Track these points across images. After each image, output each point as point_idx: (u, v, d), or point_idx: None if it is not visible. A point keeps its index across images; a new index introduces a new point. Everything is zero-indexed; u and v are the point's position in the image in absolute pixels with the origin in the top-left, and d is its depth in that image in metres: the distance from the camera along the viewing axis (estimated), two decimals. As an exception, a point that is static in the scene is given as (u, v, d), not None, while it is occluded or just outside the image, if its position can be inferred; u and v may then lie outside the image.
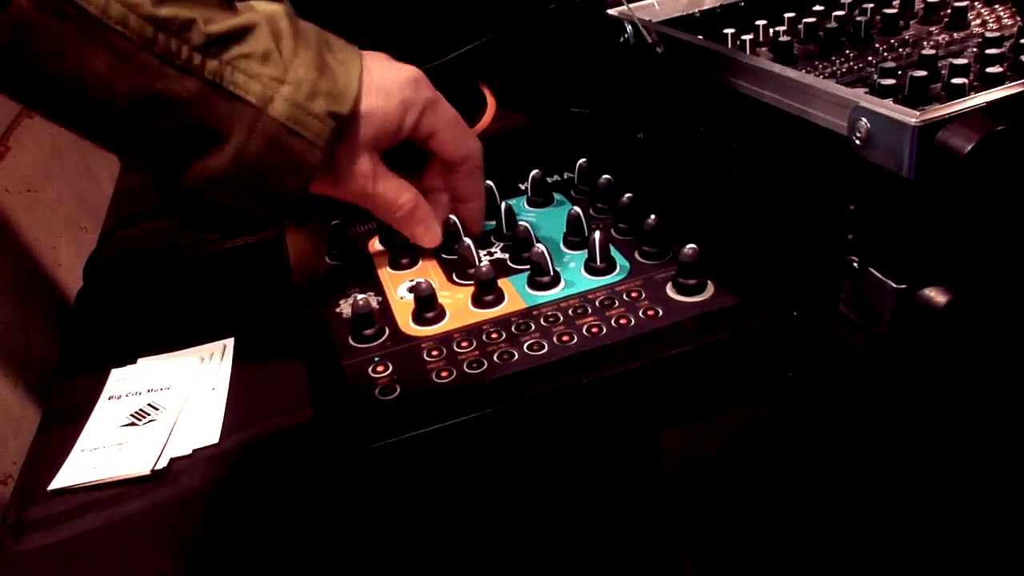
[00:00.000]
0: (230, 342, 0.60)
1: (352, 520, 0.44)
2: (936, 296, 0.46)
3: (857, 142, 0.46)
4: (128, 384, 0.58)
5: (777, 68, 0.52)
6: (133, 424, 0.54)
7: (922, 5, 0.71)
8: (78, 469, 0.51)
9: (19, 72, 0.40)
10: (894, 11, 0.69)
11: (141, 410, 0.55)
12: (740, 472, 0.45)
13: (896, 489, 0.45)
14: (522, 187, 0.64)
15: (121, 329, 0.64)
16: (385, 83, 0.50)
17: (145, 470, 0.50)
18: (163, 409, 0.55)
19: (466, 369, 0.45)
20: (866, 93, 0.50)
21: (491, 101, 0.88)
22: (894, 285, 0.48)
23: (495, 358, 0.46)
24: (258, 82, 0.44)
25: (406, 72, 0.51)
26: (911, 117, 0.43)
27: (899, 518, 0.43)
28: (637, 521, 0.44)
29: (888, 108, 0.44)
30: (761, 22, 0.71)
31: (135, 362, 0.59)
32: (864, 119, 0.45)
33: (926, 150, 0.43)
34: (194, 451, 0.51)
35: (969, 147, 0.41)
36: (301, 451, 0.49)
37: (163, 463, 0.51)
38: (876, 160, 0.45)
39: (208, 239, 0.74)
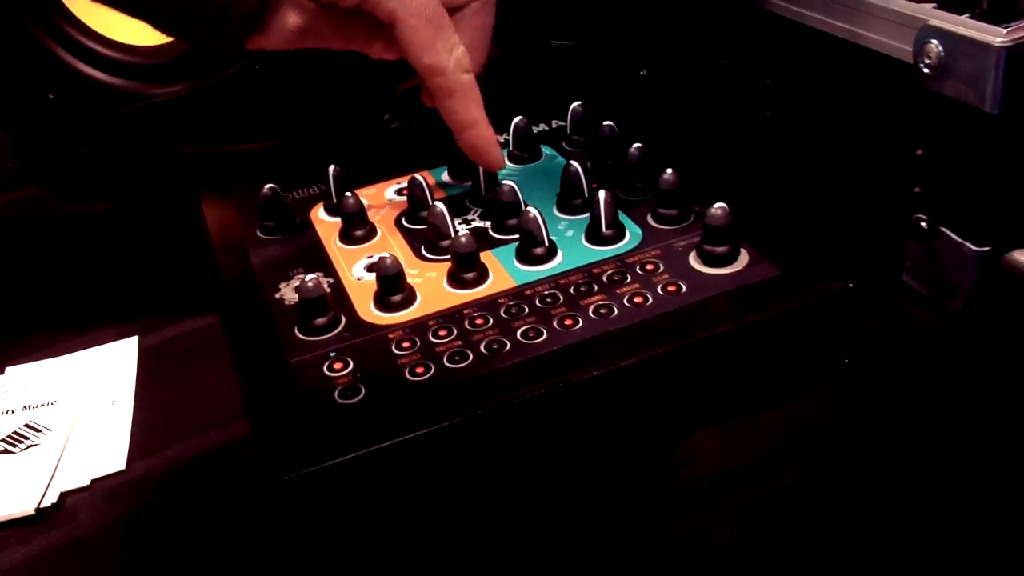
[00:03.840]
0: (132, 342, 0.60)
1: (309, 557, 0.44)
2: (1027, 260, 0.48)
3: (926, 71, 0.47)
4: None
5: (822, -19, 0.53)
6: (6, 451, 0.53)
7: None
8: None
9: None
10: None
11: (16, 433, 0.54)
12: (790, 486, 0.46)
13: (980, 504, 0.46)
14: (502, 139, 0.64)
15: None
16: None
17: (28, 509, 0.49)
18: (47, 430, 0.55)
19: (447, 363, 0.45)
20: (935, 8, 0.52)
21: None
22: (974, 248, 0.49)
23: (482, 349, 0.46)
24: None
25: None
26: (996, 36, 0.44)
27: (988, 538, 0.44)
28: (661, 548, 0.44)
29: (966, 26, 0.45)
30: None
31: (2, 372, 0.59)
32: (935, 41, 0.46)
33: (1015, 78, 0.44)
34: (93, 482, 0.51)
35: (1067, 73, 0.42)
36: (238, 474, 0.49)
37: (51, 499, 0.50)
38: (950, 92, 0.46)
39: (95, 211, 0.74)
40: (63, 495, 0.50)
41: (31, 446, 0.53)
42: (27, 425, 0.55)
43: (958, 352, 0.51)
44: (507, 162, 0.62)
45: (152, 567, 0.46)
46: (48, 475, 0.51)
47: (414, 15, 0.52)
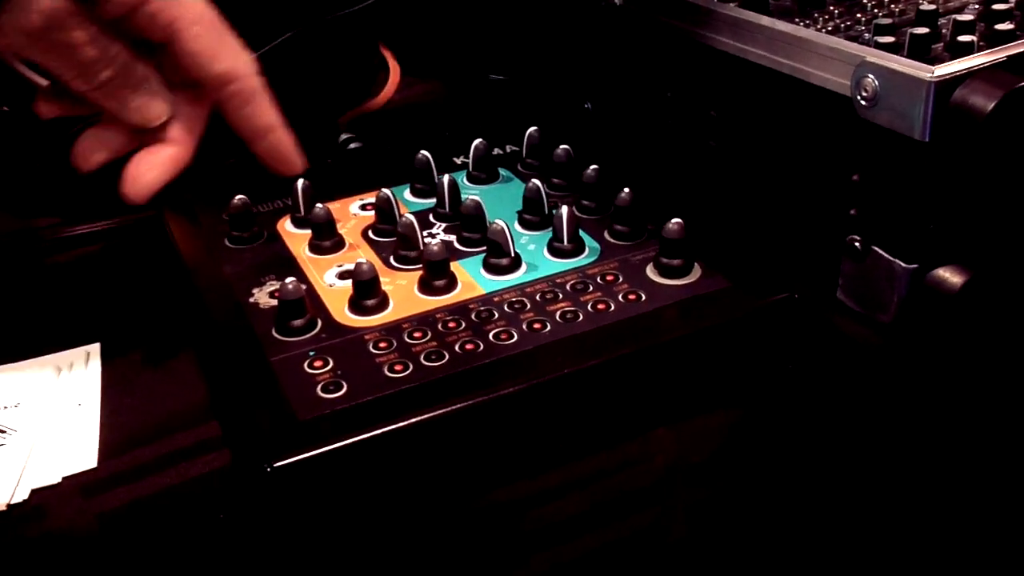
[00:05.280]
0: (95, 348, 0.62)
1: (289, 550, 0.47)
2: (951, 277, 0.53)
3: (863, 103, 0.52)
4: None
5: (766, 20, 0.58)
6: None
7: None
8: None
9: None
10: (881, -35, 0.77)
11: None
12: (739, 483, 0.50)
13: (907, 497, 0.51)
14: (459, 161, 0.68)
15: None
16: None
17: None
18: (12, 431, 0.55)
19: (424, 362, 0.49)
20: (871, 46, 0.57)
21: (394, 67, 0.92)
22: (904, 265, 0.54)
23: (457, 349, 0.49)
24: None
25: None
26: (927, 73, 0.49)
27: (911, 530, 0.49)
28: (622, 539, 0.48)
29: (900, 63, 0.50)
30: (730, -27, 0.77)
31: None
32: (871, 76, 0.51)
33: (942, 109, 0.49)
34: (64, 479, 0.52)
35: (991, 105, 0.48)
36: (208, 472, 0.51)
37: (22, 495, 0.51)
38: (884, 122, 0.51)
39: (41, 226, 0.75)
40: (33, 492, 0.51)
41: None
42: None
43: (888, 361, 0.56)
44: (465, 181, 0.66)
45: (124, 560, 0.48)
46: (17, 472, 0.52)
47: (196, 23, 0.51)
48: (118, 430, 0.55)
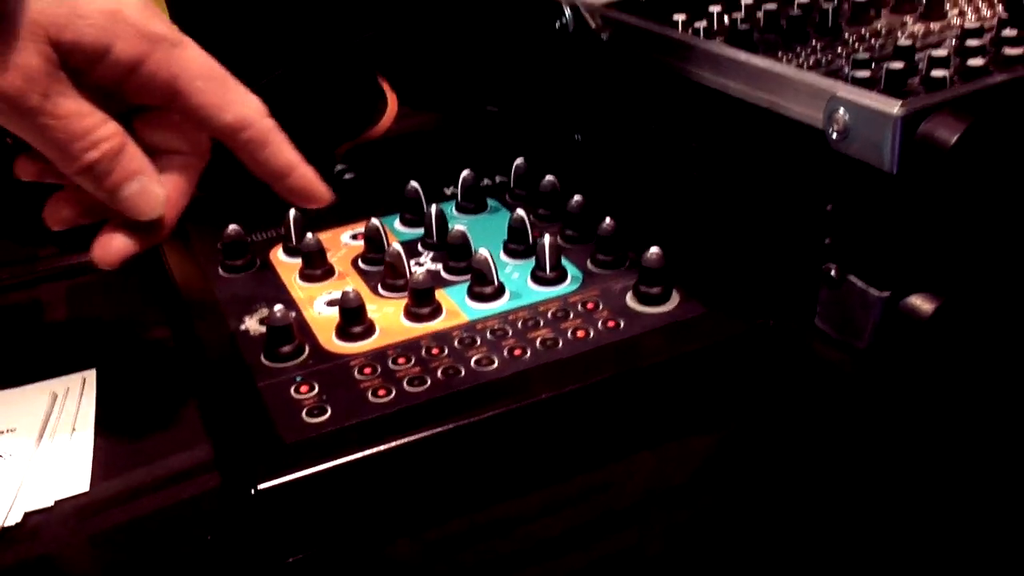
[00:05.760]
0: (90, 374, 0.63)
1: (282, 567, 0.48)
2: (922, 304, 0.54)
3: (834, 135, 0.54)
4: None
5: (744, 56, 0.60)
6: None
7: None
8: None
9: None
10: (864, -2, 0.79)
11: None
12: (716, 504, 0.52)
13: (883, 518, 0.52)
14: (448, 192, 0.70)
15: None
16: None
17: None
18: (7, 455, 0.57)
19: (407, 387, 0.50)
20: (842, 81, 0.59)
21: (392, 99, 0.95)
22: (877, 293, 0.55)
23: (439, 375, 0.51)
24: None
25: None
26: (893, 107, 0.51)
27: (888, 551, 0.51)
28: (601, 560, 0.49)
29: (868, 98, 0.52)
30: (716, 8, 0.79)
31: None
32: (842, 110, 0.53)
33: (910, 143, 0.51)
34: (57, 502, 0.53)
35: (955, 138, 0.49)
36: (200, 495, 0.52)
37: (15, 518, 0.52)
38: (855, 154, 0.53)
39: (41, 255, 0.77)
40: (27, 515, 0.52)
41: None
42: None
43: (863, 386, 0.57)
44: (454, 212, 0.68)
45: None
46: (11, 496, 0.53)
47: (199, 75, 0.49)
48: (111, 454, 0.56)
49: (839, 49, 0.73)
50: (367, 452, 0.47)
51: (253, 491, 0.45)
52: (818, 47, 0.74)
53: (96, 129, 0.47)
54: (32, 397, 0.61)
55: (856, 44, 0.74)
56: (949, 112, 0.51)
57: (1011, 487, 0.53)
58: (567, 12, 0.75)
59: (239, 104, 0.50)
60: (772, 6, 0.78)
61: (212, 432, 0.54)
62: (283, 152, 0.52)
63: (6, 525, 0.52)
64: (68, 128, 0.46)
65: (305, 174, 0.53)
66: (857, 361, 0.58)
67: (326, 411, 0.49)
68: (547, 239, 0.58)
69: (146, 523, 0.52)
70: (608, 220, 0.59)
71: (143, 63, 0.47)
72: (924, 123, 0.51)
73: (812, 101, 0.56)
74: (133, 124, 0.51)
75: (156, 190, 0.50)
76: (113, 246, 0.51)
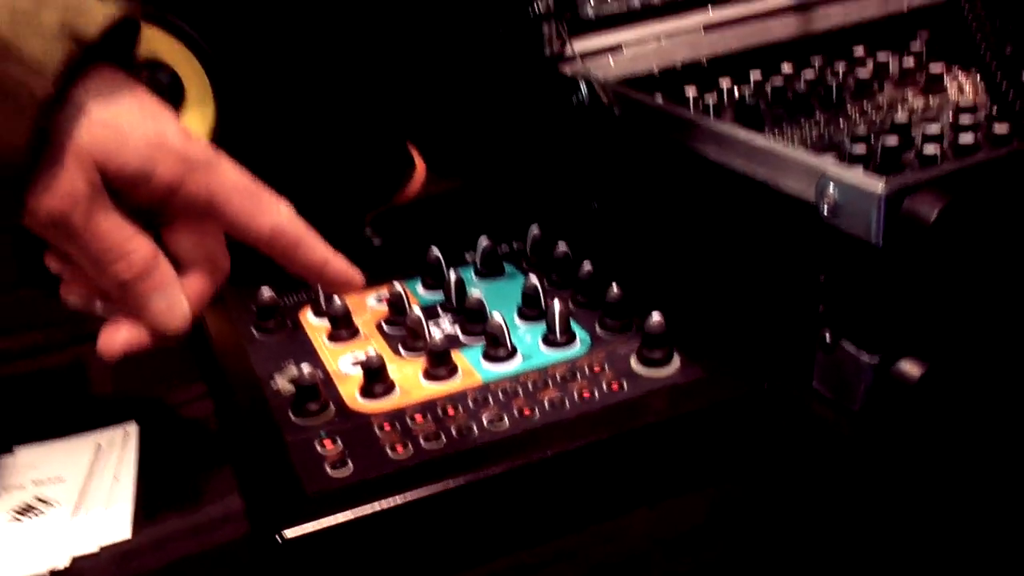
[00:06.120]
0: (132, 427, 0.68)
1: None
2: (911, 369, 0.58)
3: (825, 211, 0.58)
4: (5, 477, 0.63)
5: (743, 135, 0.64)
6: (17, 521, 0.59)
7: (897, 68, 0.86)
8: (-56, 580, 0.56)
9: None
10: (867, 74, 0.83)
11: (27, 505, 0.60)
12: (713, 558, 0.55)
13: (878, 569, 0.55)
14: (468, 258, 0.74)
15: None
16: (148, 104, 0.50)
17: (42, 571, 0.55)
18: (56, 503, 0.61)
19: (423, 443, 0.54)
20: (836, 160, 0.63)
21: (420, 164, 0.99)
22: (868, 358, 0.59)
23: (454, 432, 0.55)
24: None
25: (175, 119, 0.51)
26: (878, 185, 0.55)
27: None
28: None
29: (855, 176, 0.56)
30: (726, 83, 0.84)
31: (12, 452, 0.65)
32: (832, 187, 0.57)
33: (894, 218, 0.55)
34: (101, 548, 0.57)
35: (935, 215, 0.53)
36: (234, 542, 0.57)
37: (64, 562, 0.56)
38: (845, 228, 0.57)
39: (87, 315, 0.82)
40: (74, 559, 0.56)
41: (41, 517, 0.60)
42: (37, 498, 0.61)
43: (858, 446, 0.61)
44: (473, 277, 0.72)
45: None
46: (59, 541, 0.57)
47: (233, 190, 0.52)
48: (150, 502, 0.61)
49: (841, 123, 0.77)
50: (386, 504, 0.51)
51: (279, 538, 0.49)
52: (822, 121, 0.78)
53: (132, 247, 0.50)
54: (77, 448, 0.66)
55: (858, 118, 0.78)
56: (930, 190, 0.54)
57: (996, 546, 0.56)
58: (583, 88, 0.80)
59: (271, 212, 0.53)
60: (779, 81, 0.83)
61: (243, 483, 0.58)
62: (316, 250, 0.54)
63: (56, 569, 0.56)
64: (106, 246, 0.49)
65: (337, 266, 0.55)
66: (852, 422, 0.61)
67: (348, 465, 0.53)
68: (557, 305, 0.62)
69: (181, 567, 0.56)
70: (615, 287, 0.63)
71: (183, 184, 0.50)
72: (907, 200, 0.54)
73: (805, 178, 0.59)
74: (162, 236, 0.53)
75: (182, 305, 0.52)
76: (118, 340, 0.53)
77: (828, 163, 0.58)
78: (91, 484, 0.63)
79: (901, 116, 0.74)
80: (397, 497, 0.51)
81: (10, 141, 0.45)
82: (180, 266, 0.54)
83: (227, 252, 0.55)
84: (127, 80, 0.50)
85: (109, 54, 0.49)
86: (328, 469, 0.53)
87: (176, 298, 0.52)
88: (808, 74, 0.85)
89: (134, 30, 0.51)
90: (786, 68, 0.87)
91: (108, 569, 0.56)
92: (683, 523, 0.57)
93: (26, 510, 0.60)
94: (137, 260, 0.50)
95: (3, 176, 0.45)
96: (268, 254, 0.54)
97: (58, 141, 0.47)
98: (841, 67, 0.86)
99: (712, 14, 0.90)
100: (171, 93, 0.77)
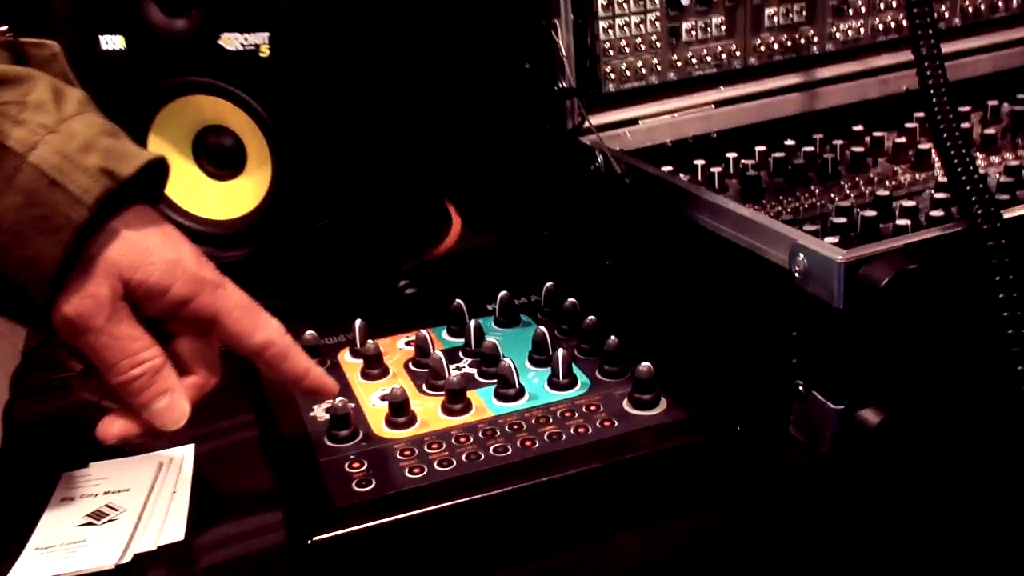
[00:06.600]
0: (189, 448, 0.77)
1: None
2: (870, 417, 0.66)
3: (797, 275, 0.66)
4: (81, 487, 0.73)
5: (731, 205, 0.73)
6: (91, 524, 0.67)
7: (891, 144, 0.94)
8: (33, 567, 0.63)
9: None
10: (862, 149, 0.92)
11: (99, 510, 0.68)
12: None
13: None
14: (490, 308, 0.83)
15: (64, 438, 0.78)
16: (170, 232, 0.58)
17: (109, 564, 0.63)
18: (123, 510, 0.69)
19: (437, 467, 0.63)
20: (818, 230, 0.71)
21: (456, 220, 1.09)
22: (833, 406, 0.67)
23: (464, 458, 0.64)
24: (24, 128, 0.51)
25: (191, 245, 0.59)
26: (838, 255, 0.63)
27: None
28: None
29: (820, 246, 0.64)
30: (732, 154, 0.93)
31: (87, 466, 0.74)
32: (802, 255, 0.65)
33: (852, 283, 0.63)
34: (159, 547, 0.65)
35: (885, 281, 0.61)
36: (279, 543, 0.64)
37: (127, 558, 0.64)
38: (812, 291, 0.65)
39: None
40: (136, 556, 0.64)
41: (109, 520, 0.68)
42: (107, 505, 0.69)
43: (825, 485, 0.68)
44: (492, 325, 0.81)
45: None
46: (125, 541, 0.65)
47: (235, 308, 0.59)
48: (203, 512, 0.69)
49: (833, 195, 0.86)
50: (400, 516, 0.59)
51: (310, 542, 0.58)
52: (816, 192, 0.87)
53: (143, 351, 0.57)
54: (142, 465, 0.74)
55: (849, 191, 0.86)
56: (884, 259, 0.62)
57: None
58: (599, 158, 0.89)
59: (265, 329, 0.61)
60: (780, 155, 0.91)
61: (282, 497, 0.67)
62: (300, 362, 0.63)
63: (121, 563, 0.64)
64: (121, 347, 0.56)
65: (316, 376, 0.64)
66: (821, 463, 0.69)
67: (371, 483, 0.62)
68: (561, 352, 0.71)
69: (228, 567, 0.64)
70: (613, 338, 0.72)
71: (192, 301, 0.58)
72: (863, 267, 0.63)
73: (781, 245, 0.68)
74: (168, 344, 0.61)
75: (182, 406, 0.60)
76: (113, 431, 0.61)
77: (800, 234, 0.67)
78: (153, 495, 0.71)
79: (882, 190, 0.82)
80: (410, 511, 0.59)
81: (46, 252, 0.53)
82: (180, 371, 0.61)
83: (221, 361, 0.64)
84: (154, 213, 0.59)
85: (142, 190, 0.58)
86: (354, 486, 0.62)
87: (178, 400, 0.59)
88: (808, 148, 0.93)
89: (164, 171, 0.60)
90: (788, 142, 0.96)
91: (164, 566, 0.65)
92: (667, 546, 0.64)
93: (98, 515, 0.69)
94: (145, 361, 0.57)
95: (37, 279, 0.53)
96: (256, 364, 0.63)
97: (89, 255, 0.55)
98: (839, 143, 0.95)
99: (723, 92, 0.99)
100: (234, 155, 0.88)
